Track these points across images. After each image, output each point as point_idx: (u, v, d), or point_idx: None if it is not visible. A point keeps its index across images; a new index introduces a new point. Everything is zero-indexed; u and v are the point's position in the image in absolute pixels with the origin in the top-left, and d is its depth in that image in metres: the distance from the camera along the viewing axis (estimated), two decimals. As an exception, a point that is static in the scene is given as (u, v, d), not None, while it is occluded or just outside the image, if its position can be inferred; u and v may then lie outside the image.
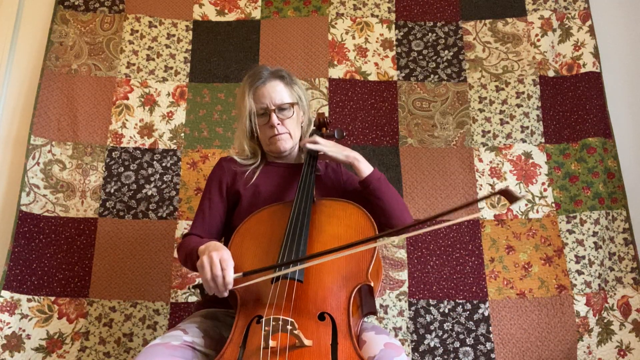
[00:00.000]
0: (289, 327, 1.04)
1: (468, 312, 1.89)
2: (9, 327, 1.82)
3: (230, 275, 1.21)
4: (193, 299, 1.91)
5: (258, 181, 1.57)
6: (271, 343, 1.05)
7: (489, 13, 2.23)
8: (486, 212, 2.00)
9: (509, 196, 1.01)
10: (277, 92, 1.55)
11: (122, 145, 2.06)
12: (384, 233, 1.23)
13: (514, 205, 1.99)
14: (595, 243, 1.94)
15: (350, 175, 1.65)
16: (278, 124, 1.54)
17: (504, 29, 2.21)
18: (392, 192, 1.52)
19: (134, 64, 2.15)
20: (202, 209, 1.57)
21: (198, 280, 1.94)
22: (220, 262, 1.21)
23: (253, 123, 1.56)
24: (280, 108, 1.55)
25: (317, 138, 1.55)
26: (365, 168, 1.51)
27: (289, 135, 1.57)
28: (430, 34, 2.21)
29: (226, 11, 2.25)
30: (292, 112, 1.57)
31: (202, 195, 1.60)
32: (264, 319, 1.08)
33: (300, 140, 1.64)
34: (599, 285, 1.90)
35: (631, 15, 2.23)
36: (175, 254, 1.94)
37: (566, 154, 2.05)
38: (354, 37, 2.21)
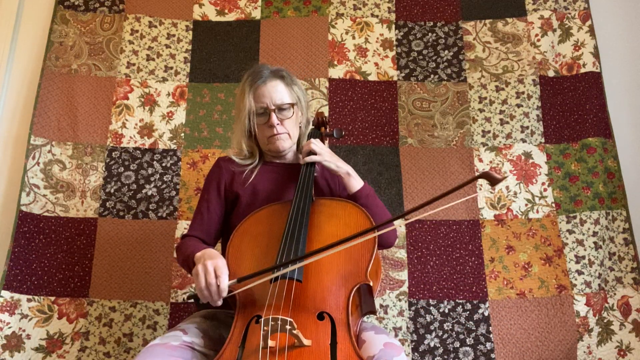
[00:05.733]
0: (288, 326, 1.04)
1: (468, 312, 1.89)
2: (9, 327, 1.82)
3: (225, 282, 1.21)
4: (193, 299, 1.91)
5: (256, 181, 1.57)
6: (270, 343, 1.05)
7: (489, 13, 2.23)
8: (486, 212, 2.00)
9: (490, 178, 1.03)
10: (278, 92, 1.55)
11: (122, 145, 2.06)
12: (381, 223, 1.22)
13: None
14: (595, 243, 1.93)
15: None
16: (277, 124, 1.54)
17: (504, 29, 2.21)
18: (380, 209, 1.52)
19: (134, 64, 2.15)
20: (200, 210, 1.57)
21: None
22: (214, 269, 1.22)
23: (252, 122, 1.55)
24: (280, 108, 1.55)
25: (314, 146, 1.51)
26: (355, 183, 1.51)
27: (288, 135, 1.57)
28: (430, 34, 2.21)
29: (226, 11, 2.25)
30: (292, 112, 1.57)
31: (200, 196, 1.61)
32: (263, 319, 1.07)
33: (299, 141, 1.65)
34: (599, 285, 1.90)
35: (631, 15, 2.22)
36: (175, 254, 1.94)
37: (566, 154, 2.05)
38: (354, 37, 2.21)
